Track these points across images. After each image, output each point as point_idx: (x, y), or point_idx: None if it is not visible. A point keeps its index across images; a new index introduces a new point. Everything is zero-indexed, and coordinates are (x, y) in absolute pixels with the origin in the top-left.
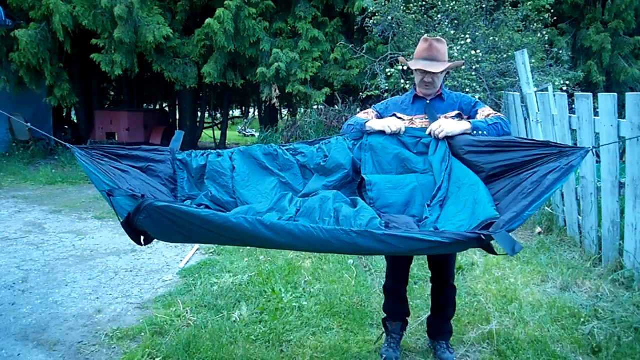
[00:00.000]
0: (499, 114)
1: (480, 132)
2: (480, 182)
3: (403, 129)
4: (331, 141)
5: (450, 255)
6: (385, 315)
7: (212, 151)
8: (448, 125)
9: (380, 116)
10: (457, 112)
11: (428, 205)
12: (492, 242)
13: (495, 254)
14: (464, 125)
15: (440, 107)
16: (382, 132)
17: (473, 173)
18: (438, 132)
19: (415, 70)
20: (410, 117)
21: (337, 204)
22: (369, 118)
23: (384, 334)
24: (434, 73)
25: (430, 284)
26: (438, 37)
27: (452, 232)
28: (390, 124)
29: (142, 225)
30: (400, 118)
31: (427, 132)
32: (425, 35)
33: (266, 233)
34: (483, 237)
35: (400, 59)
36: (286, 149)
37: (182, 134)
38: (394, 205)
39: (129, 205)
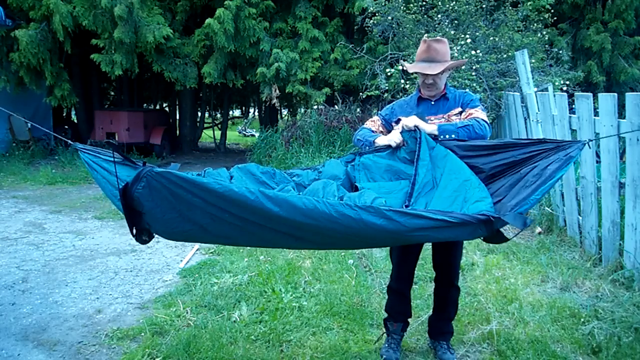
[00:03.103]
0: (481, 115)
1: (447, 136)
2: (474, 179)
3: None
4: (325, 163)
5: (456, 255)
6: (386, 315)
7: (209, 168)
8: (416, 120)
9: (386, 122)
10: (459, 109)
11: (406, 207)
12: (501, 229)
13: (507, 239)
14: (430, 127)
15: (444, 106)
16: (389, 146)
17: (469, 170)
18: (407, 122)
19: (412, 72)
20: None
21: (340, 192)
22: (375, 127)
23: (384, 334)
24: (432, 75)
25: (433, 284)
26: (438, 37)
27: (461, 212)
28: (395, 139)
29: (139, 198)
30: None
31: (399, 128)
32: (425, 36)
33: (268, 205)
34: (492, 218)
35: (402, 62)
36: (282, 171)
37: (178, 166)
38: None
39: (129, 176)
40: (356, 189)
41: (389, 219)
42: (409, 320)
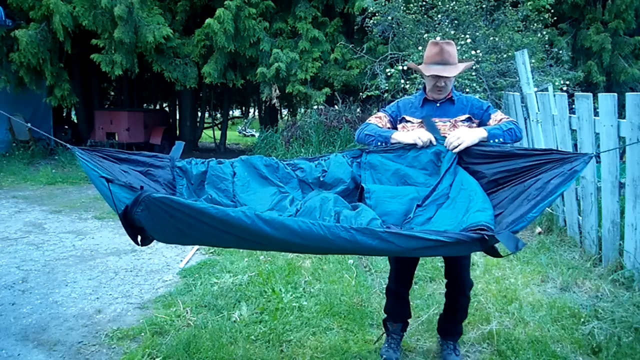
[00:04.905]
0: (510, 118)
1: (497, 140)
2: (479, 191)
3: (434, 141)
4: (330, 157)
5: (462, 264)
6: (385, 315)
7: (213, 159)
8: (466, 136)
9: (393, 119)
10: (467, 115)
11: (418, 206)
12: (496, 245)
13: (500, 256)
14: (481, 133)
15: (450, 110)
16: (414, 145)
17: (475, 181)
18: (456, 144)
19: (428, 75)
20: (419, 120)
21: (338, 207)
22: (382, 124)
23: (384, 334)
24: (447, 77)
25: (445, 288)
26: (447, 40)
27: (454, 231)
28: (422, 137)
29: (139, 219)
30: (409, 121)
31: (445, 145)
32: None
33: (265, 228)
34: (486, 237)
35: (410, 64)
36: (286, 164)
37: (182, 144)
38: (393, 213)
39: (127, 197)
40: (362, 190)
41: (383, 240)
42: (409, 320)
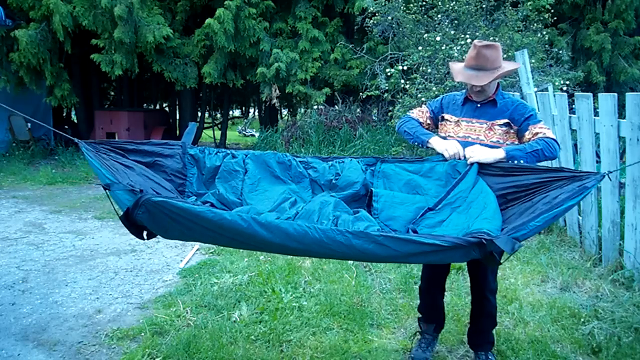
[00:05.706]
0: (548, 133)
1: (516, 162)
2: (494, 203)
3: (461, 156)
4: (345, 161)
5: (488, 268)
6: (420, 315)
7: (228, 151)
8: (480, 153)
9: (434, 115)
10: (506, 120)
11: (430, 209)
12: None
13: (500, 263)
14: (498, 154)
15: (489, 112)
16: (442, 154)
17: (493, 194)
18: (468, 156)
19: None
20: (457, 119)
21: (337, 212)
22: (423, 119)
23: (418, 333)
24: (479, 85)
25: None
26: (489, 42)
27: (452, 236)
28: (450, 148)
29: (141, 220)
30: (447, 120)
31: (464, 157)
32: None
33: (261, 232)
34: (484, 241)
35: (451, 64)
36: (299, 161)
37: (195, 126)
38: (399, 219)
39: (129, 199)
40: (371, 194)
41: (379, 244)
42: (443, 325)
